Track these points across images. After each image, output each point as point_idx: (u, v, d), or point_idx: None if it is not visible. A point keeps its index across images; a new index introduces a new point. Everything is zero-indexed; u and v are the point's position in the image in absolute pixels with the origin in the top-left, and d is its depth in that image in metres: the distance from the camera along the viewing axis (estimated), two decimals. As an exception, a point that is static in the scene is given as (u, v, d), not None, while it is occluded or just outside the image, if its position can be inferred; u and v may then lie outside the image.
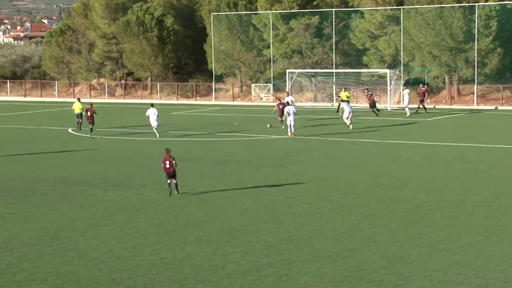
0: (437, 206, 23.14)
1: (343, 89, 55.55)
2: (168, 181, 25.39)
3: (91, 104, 46.86)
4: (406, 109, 53.21)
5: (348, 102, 47.20)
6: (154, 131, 42.80)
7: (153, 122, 42.81)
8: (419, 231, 19.87)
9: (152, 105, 44.59)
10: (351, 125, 43.78)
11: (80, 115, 46.43)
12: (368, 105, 54.06)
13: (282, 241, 19.14)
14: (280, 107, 45.40)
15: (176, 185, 25.39)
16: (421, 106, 54.65)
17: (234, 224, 21.14)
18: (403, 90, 55.95)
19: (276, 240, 19.28)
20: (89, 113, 44.58)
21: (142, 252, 18.33)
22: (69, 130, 46.69)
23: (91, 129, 43.83)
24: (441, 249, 18.09)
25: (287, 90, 58.51)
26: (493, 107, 58.44)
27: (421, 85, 57.18)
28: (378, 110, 52.83)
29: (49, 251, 18.70)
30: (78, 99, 48.87)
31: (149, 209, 23.34)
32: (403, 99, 55.30)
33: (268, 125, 45.46)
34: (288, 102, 45.79)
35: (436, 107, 60.52)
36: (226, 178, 28.79)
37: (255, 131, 44.70)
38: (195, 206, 23.83)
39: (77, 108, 46.89)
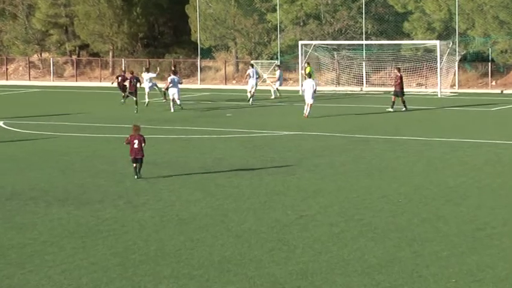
0: (506, 228, 23.15)
1: (306, 64, 58.52)
2: (134, 165, 29.84)
3: (132, 71, 57.15)
4: (272, 90, 58.17)
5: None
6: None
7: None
8: (480, 263, 19.88)
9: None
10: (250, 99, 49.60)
11: None
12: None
13: (292, 276, 19.15)
14: (119, 79, 55.45)
15: (139, 168, 29.97)
16: (393, 99, 50.59)
17: (227, 253, 21.14)
18: (276, 69, 60.23)
19: (285, 274, 19.28)
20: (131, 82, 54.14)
21: (101, 292, 18.35)
22: (1, 124, 46.71)
23: (136, 102, 52.58)
24: (510, 287, 18.10)
25: (251, 63, 62.10)
26: None
27: (395, 69, 53.82)
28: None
29: (-27, 289, 18.70)
30: None
31: (110, 232, 23.34)
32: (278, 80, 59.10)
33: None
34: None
35: (504, 91, 60.59)
36: (217, 189, 28.81)
37: (255, 125, 44.74)
38: (174, 227, 23.84)
39: None
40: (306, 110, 46.94)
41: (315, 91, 47.37)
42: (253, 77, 55.98)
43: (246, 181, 30.29)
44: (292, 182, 29.91)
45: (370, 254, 20.83)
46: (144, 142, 29.95)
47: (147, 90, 54.68)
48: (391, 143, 38.71)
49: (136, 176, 29.89)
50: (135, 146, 29.51)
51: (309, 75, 51.71)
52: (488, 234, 22.57)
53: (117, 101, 55.83)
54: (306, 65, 60.63)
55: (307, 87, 47.55)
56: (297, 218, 24.72)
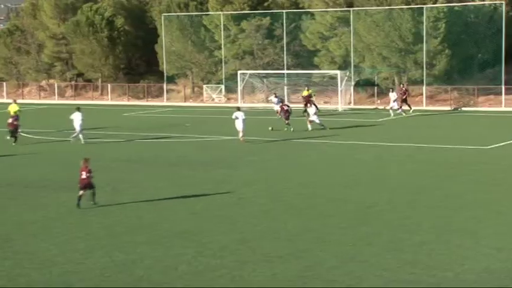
0: (389, 206, 23.36)
1: (306, 88, 55.64)
2: (80, 192, 23.62)
3: (402, 84, 53.57)
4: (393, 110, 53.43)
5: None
6: (80, 136, 40.30)
7: (78, 127, 40.57)
8: (370, 231, 20.04)
9: (78, 108, 42.05)
10: (311, 126, 44.17)
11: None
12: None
13: (234, 242, 19.15)
14: (285, 108, 45.22)
15: (93, 194, 23.80)
16: (404, 106, 53.92)
17: (187, 225, 21.09)
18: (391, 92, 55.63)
19: (229, 241, 19.28)
20: None
21: (94, 255, 18.21)
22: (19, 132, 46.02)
23: None
24: (392, 249, 18.27)
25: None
26: (451, 108, 58.85)
27: (401, 85, 57.03)
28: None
29: (-1, 254, 18.47)
30: (14, 101, 47.37)
31: (100, 211, 23.16)
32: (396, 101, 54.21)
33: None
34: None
35: (386, 107, 60.96)
36: (179, 179, 28.71)
37: (207, 132, 44.63)
38: (147, 207, 23.72)
39: (12, 110, 44.80)
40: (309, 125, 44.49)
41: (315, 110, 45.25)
42: (277, 104, 49.36)
43: (200, 173, 30.21)
44: (234, 174, 29.90)
45: (291, 225, 20.90)
46: (91, 174, 23.73)
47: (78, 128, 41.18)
48: (305, 144, 38.80)
49: (79, 205, 23.57)
50: (83, 177, 23.64)
51: (309, 96, 50.78)
52: (377, 210, 22.76)
53: (106, 114, 55.30)
54: (306, 88, 56.04)
55: (311, 109, 45.23)
56: (237, 199, 24.74)
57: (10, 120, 41.92)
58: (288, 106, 46.03)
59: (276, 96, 51.26)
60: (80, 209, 23.42)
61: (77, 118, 40.89)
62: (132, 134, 44.22)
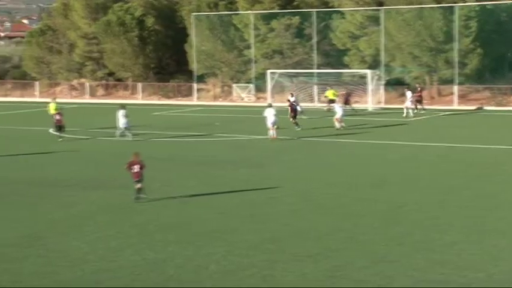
0: (419, 206, 23.23)
1: (328, 88, 56.40)
2: (139, 186, 24.16)
3: (419, 85, 53.25)
4: (408, 110, 53.03)
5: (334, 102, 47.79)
6: (117, 132, 42.00)
7: (121, 124, 42.02)
8: (401, 231, 19.94)
9: (122, 106, 43.48)
10: (339, 124, 44.34)
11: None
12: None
13: (264, 241, 19.14)
14: (293, 107, 46.44)
15: (140, 189, 24.19)
16: (419, 106, 54.45)
17: (216, 224, 21.12)
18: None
19: (259, 240, 19.28)
20: None
21: (125, 253, 18.28)
22: (50, 130, 46.38)
23: None
24: (423, 249, 18.17)
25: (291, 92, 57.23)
26: (474, 107, 58.55)
27: (417, 85, 57.18)
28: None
29: (31, 251, 18.60)
30: (54, 99, 48.91)
31: (131, 210, 23.27)
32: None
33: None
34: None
35: (417, 107, 60.60)
36: (208, 178, 28.76)
37: (236, 131, 44.69)
38: (177, 206, 23.79)
39: (52, 109, 46.38)
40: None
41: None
42: (298, 104, 47.67)
43: (230, 172, 30.25)
44: (264, 173, 29.90)
45: (320, 225, 20.86)
46: (144, 167, 24.44)
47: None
48: (335, 144, 38.72)
49: (137, 198, 24.27)
50: (135, 170, 24.22)
51: (348, 95, 52.01)
52: (407, 210, 22.66)
53: (136, 113, 55.40)
54: (329, 88, 57.26)
55: (337, 107, 46.10)
56: (267, 198, 24.73)
57: (58, 117, 43.34)
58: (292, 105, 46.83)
59: (292, 96, 51.28)
60: (139, 201, 24.09)
61: (119, 116, 42.24)
62: (162, 133, 44.39)
